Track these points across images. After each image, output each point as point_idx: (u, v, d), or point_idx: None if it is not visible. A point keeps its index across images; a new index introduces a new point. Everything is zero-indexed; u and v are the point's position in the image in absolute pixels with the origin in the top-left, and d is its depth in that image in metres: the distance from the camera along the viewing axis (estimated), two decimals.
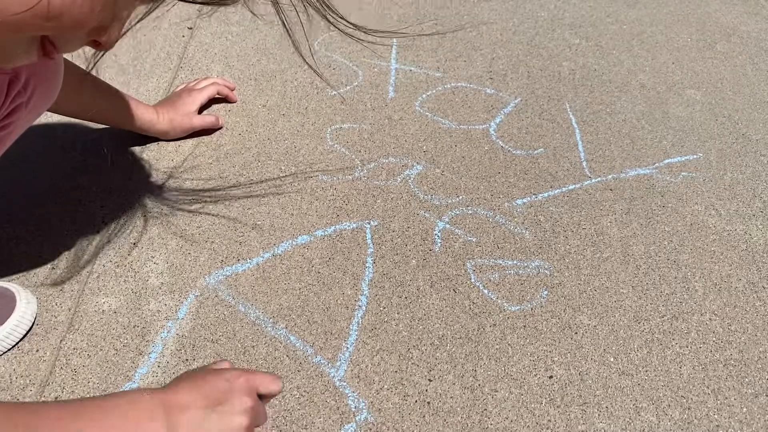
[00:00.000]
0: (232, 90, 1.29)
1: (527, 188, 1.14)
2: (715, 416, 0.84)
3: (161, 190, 1.10)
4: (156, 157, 1.16)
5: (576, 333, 0.93)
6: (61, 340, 0.88)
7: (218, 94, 1.27)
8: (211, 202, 1.08)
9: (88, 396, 0.83)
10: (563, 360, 0.89)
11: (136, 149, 1.17)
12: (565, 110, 1.30)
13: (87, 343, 0.88)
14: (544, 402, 0.85)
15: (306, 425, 0.81)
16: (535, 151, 1.21)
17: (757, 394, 0.87)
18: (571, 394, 0.86)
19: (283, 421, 0.81)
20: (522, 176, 1.16)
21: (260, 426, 0.75)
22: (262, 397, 0.74)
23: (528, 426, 0.82)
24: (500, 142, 1.23)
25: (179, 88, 1.25)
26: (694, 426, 0.83)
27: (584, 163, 1.19)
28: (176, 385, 0.70)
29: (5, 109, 0.67)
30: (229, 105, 1.29)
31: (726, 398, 0.86)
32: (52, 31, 0.55)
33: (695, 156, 1.22)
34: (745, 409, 0.85)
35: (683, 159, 1.21)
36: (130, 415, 0.65)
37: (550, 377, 0.88)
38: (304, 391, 0.85)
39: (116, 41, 0.60)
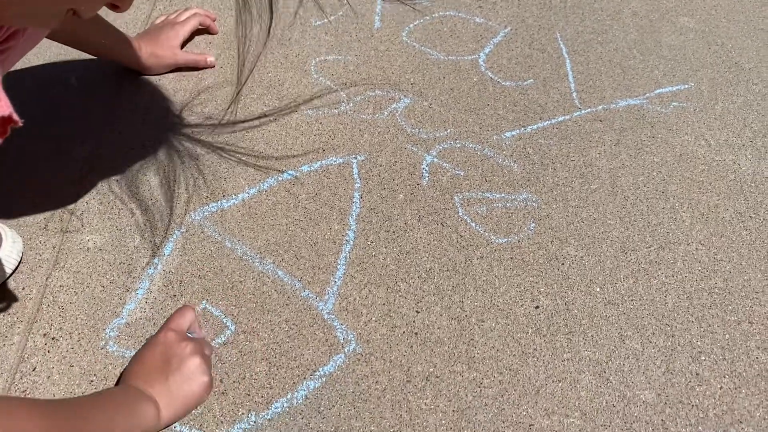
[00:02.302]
0: (213, 21, 1.25)
1: (516, 120, 1.12)
2: (698, 343, 0.86)
3: (142, 126, 1.07)
4: (136, 92, 1.13)
5: (563, 264, 0.93)
6: (47, 278, 0.88)
7: (200, 25, 1.23)
8: (193, 137, 1.06)
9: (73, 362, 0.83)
10: (549, 291, 0.90)
11: (116, 84, 1.14)
12: (555, 39, 1.27)
13: (73, 281, 0.88)
14: (530, 331, 0.86)
15: (295, 357, 0.82)
16: (525, 82, 1.19)
17: (740, 321, 0.88)
18: (557, 323, 0.87)
19: (273, 353, 0.82)
20: (511, 108, 1.14)
21: (211, 354, 0.82)
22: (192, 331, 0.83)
23: (514, 355, 0.83)
24: (489, 74, 1.20)
25: (159, 21, 1.21)
26: (677, 353, 0.85)
27: (574, 94, 1.17)
28: (132, 371, 0.76)
29: (3, 33, 0.65)
30: (211, 37, 1.25)
31: (709, 325, 0.88)
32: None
33: (686, 86, 1.20)
34: (727, 336, 0.87)
35: (674, 89, 1.19)
36: (124, 402, 0.72)
37: (537, 307, 0.88)
38: (293, 324, 0.85)
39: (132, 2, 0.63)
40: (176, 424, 0.75)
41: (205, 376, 0.77)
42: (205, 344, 0.81)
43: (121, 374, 0.79)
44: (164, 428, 0.75)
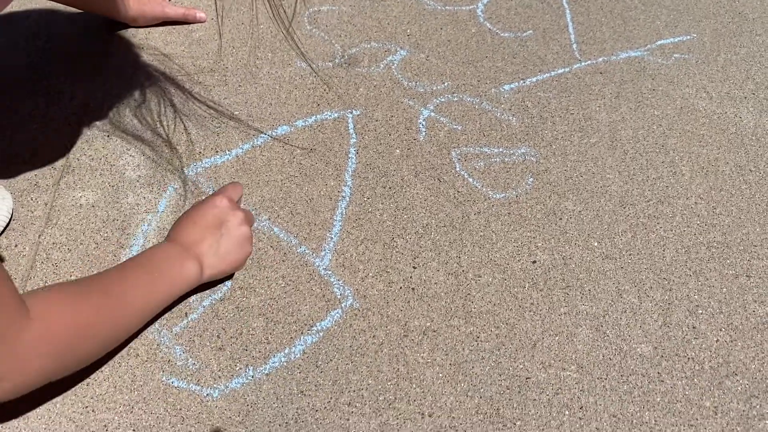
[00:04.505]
0: None
1: (515, 73, 1.10)
2: (696, 297, 0.86)
3: (132, 80, 1.05)
4: (125, 46, 1.10)
5: (561, 219, 0.92)
6: (39, 235, 0.87)
7: None
8: (185, 91, 1.04)
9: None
10: (547, 245, 0.90)
11: (105, 37, 1.10)
12: None
13: (66, 238, 0.87)
14: (527, 286, 0.86)
15: (292, 312, 0.82)
16: (524, 34, 1.16)
17: (738, 275, 0.88)
18: (554, 278, 0.87)
19: (270, 309, 0.82)
20: (510, 60, 1.12)
21: (252, 224, 0.87)
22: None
23: (510, 309, 0.83)
24: (488, 24, 1.17)
25: None
26: (675, 306, 0.85)
27: (574, 46, 1.15)
28: (180, 229, 0.81)
29: None
30: None
31: (707, 279, 0.87)
32: None
33: (689, 37, 1.17)
34: (725, 290, 0.87)
35: (676, 40, 1.17)
36: (168, 262, 0.77)
37: (534, 262, 0.88)
38: (290, 280, 0.85)
39: None
40: (173, 379, 0.75)
41: (250, 247, 0.83)
42: (250, 215, 0.86)
43: (172, 229, 0.82)
44: (207, 282, 0.81)
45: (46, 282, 0.83)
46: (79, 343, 0.67)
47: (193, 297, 0.82)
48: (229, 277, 0.84)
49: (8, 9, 1.11)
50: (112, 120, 0.99)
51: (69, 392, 0.74)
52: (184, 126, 0.99)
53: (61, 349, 0.65)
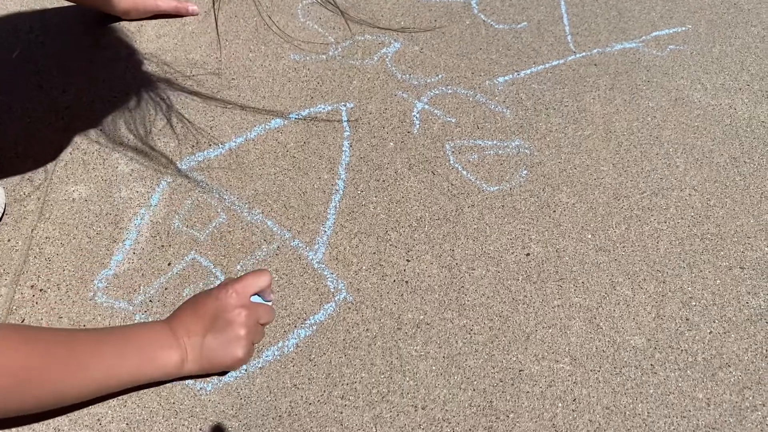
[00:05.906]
0: None
1: (509, 65, 1.10)
2: (689, 288, 0.86)
3: (124, 73, 1.04)
4: (117, 39, 1.09)
5: (554, 211, 0.92)
6: (32, 230, 0.87)
7: None
8: (177, 84, 1.03)
9: (65, 311, 0.82)
10: (541, 238, 0.89)
11: (97, 31, 1.10)
12: None
13: (59, 232, 0.87)
14: (520, 279, 0.86)
15: (286, 306, 0.82)
16: (519, 26, 1.16)
17: (731, 266, 0.88)
18: (547, 270, 0.86)
19: None
20: (504, 52, 1.11)
21: (268, 323, 0.79)
22: (262, 294, 0.79)
23: (504, 302, 0.83)
24: (482, 16, 1.17)
25: None
26: (668, 298, 0.85)
27: (569, 38, 1.14)
28: (179, 313, 0.75)
29: None
30: None
31: (701, 271, 0.87)
32: None
33: (684, 28, 1.17)
34: (718, 281, 0.87)
35: (671, 31, 1.16)
36: (147, 342, 0.72)
37: (527, 255, 0.88)
38: (283, 274, 0.84)
39: None
40: None
41: (240, 351, 0.74)
42: (264, 313, 0.77)
43: (176, 309, 0.77)
44: (188, 377, 0.75)
45: (39, 276, 0.83)
46: (16, 391, 0.62)
47: (187, 291, 0.82)
48: (222, 373, 0.76)
49: (1, 4, 1.11)
50: (104, 114, 0.99)
51: None
52: (177, 119, 0.99)
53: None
